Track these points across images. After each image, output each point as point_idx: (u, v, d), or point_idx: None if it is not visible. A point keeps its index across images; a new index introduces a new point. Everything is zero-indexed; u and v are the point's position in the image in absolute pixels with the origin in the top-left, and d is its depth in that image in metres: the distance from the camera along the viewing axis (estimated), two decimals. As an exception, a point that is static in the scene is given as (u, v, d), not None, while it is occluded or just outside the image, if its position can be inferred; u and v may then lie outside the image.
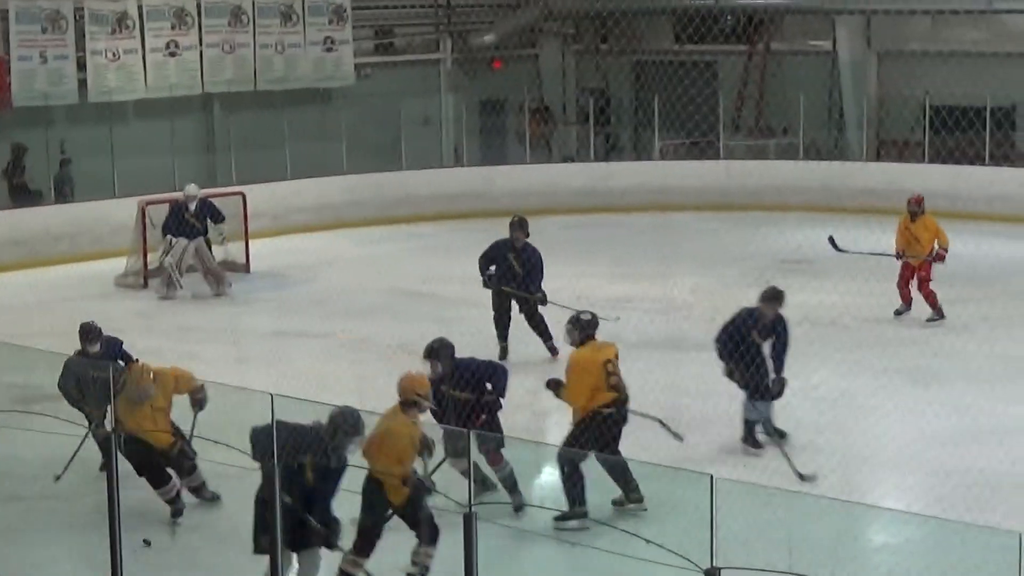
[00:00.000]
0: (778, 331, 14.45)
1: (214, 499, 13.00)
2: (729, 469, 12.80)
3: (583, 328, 12.99)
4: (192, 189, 22.98)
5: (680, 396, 14.83)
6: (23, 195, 26.92)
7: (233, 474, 12.48)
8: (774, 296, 14.63)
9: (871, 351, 17.68)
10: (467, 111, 32.13)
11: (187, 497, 12.89)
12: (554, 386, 12.88)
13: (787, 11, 32.46)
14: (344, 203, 28.71)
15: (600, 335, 13.03)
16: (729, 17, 32.80)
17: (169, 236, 22.68)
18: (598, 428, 12.60)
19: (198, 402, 12.73)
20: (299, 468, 10.36)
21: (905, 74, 30.32)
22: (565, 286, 19.63)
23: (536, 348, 17.93)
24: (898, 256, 19.79)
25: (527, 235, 18.07)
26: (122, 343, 14.37)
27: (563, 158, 33.42)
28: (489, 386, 12.74)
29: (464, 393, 12.54)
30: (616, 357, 12.89)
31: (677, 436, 12.98)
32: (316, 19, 30.30)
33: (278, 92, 29.75)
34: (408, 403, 11.19)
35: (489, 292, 18.18)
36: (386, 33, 33.05)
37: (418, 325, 19.51)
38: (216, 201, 23.58)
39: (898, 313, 19.80)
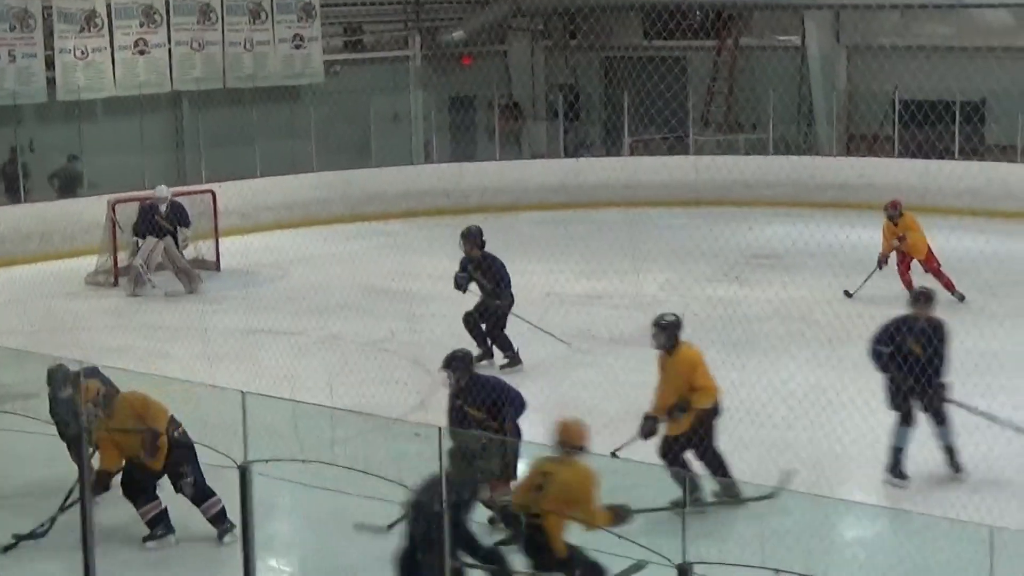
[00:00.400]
0: (940, 336, 13.36)
1: (231, 528, 11.82)
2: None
3: (672, 329, 12.69)
4: (163, 191, 22.89)
5: (650, 392, 14.79)
6: (17, 191, 26.76)
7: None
8: (922, 297, 13.63)
9: (842, 346, 17.64)
10: (436, 108, 32.12)
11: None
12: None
13: (756, 6, 32.49)
14: (314, 200, 28.66)
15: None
16: (698, 12, 32.82)
17: (136, 238, 22.64)
18: (712, 422, 12.61)
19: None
20: (458, 513, 9.61)
21: (874, 69, 30.41)
22: (535, 283, 19.62)
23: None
24: (880, 266, 20.35)
25: (481, 246, 17.51)
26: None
27: (532, 154, 33.41)
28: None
29: (480, 412, 12.22)
30: None
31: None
32: (285, 16, 30.25)
33: (247, 90, 29.66)
34: (576, 448, 10.39)
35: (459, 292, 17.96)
36: (355, 30, 33.02)
37: (388, 322, 19.54)
38: (186, 199, 23.54)
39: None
